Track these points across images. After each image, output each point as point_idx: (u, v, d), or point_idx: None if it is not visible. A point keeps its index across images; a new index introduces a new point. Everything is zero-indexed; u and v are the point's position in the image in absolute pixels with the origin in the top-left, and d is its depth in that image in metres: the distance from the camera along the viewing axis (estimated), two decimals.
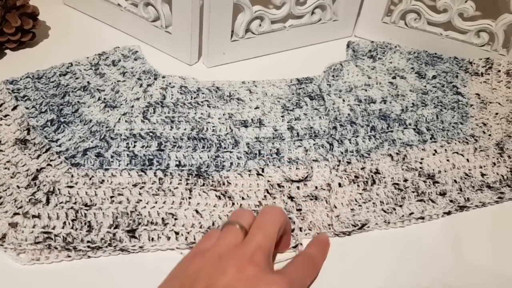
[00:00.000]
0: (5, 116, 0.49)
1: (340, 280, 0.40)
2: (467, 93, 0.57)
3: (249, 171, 0.46)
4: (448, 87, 0.58)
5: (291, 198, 0.45)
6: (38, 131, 0.47)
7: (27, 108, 0.50)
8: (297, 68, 0.60)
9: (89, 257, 0.40)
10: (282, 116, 0.52)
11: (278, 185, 0.45)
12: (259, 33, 0.62)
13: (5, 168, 0.44)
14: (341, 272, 0.40)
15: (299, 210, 0.44)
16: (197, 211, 0.42)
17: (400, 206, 0.45)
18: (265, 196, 0.44)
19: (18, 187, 0.42)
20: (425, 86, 0.57)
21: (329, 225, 0.43)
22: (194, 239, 0.41)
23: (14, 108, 0.50)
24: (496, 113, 0.55)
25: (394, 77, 0.58)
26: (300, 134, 0.50)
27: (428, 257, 0.42)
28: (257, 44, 0.63)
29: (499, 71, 0.59)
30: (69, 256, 0.39)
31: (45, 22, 0.66)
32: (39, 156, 0.45)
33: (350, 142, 0.50)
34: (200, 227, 0.41)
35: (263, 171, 0.46)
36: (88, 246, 0.39)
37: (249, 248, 0.34)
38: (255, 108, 0.52)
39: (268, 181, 0.45)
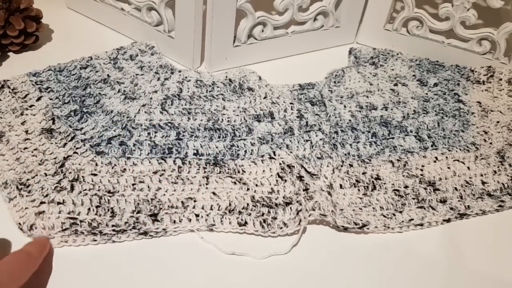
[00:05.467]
0: (30, 106, 0.50)
1: (337, 285, 0.39)
2: (468, 101, 0.57)
3: (262, 156, 0.47)
4: (449, 95, 0.58)
5: (300, 178, 0.45)
6: (62, 120, 0.49)
7: (50, 99, 0.51)
8: (299, 74, 0.60)
9: (113, 241, 0.41)
10: (291, 103, 0.53)
11: (289, 166, 0.46)
12: (262, 39, 0.62)
13: (33, 156, 0.45)
14: (338, 277, 0.40)
15: (306, 190, 0.44)
16: (214, 193, 0.44)
17: (400, 212, 0.45)
18: (277, 181, 0.45)
19: (45, 174, 0.44)
20: (426, 94, 0.57)
21: (332, 211, 0.43)
22: (213, 221, 0.42)
23: (39, 99, 0.51)
24: (497, 122, 0.55)
25: (395, 84, 0.58)
26: (309, 123, 0.51)
27: (426, 264, 0.42)
28: (260, 50, 0.63)
29: (501, 79, 0.59)
30: (95, 240, 0.40)
31: (49, 25, 0.66)
32: (65, 144, 0.46)
33: (351, 147, 0.50)
34: (219, 209, 0.43)
35: (275, 154, 0.47)
36: (113, 230, 0.40)
37: None
38: (264, 98, 0.53)
39: (280, 164, 0.47)
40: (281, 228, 0.42)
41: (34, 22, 0.61)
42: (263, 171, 0.46)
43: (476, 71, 0.61)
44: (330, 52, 0.68)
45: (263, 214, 0.43)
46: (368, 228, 0.43)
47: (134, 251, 0.41)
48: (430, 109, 0.55)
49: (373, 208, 0.45)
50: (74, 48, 0.63)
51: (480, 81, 0.60)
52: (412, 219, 0.44)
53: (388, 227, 0.43)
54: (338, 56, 0.66)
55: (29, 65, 0.56)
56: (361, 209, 0.44)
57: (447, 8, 0.61)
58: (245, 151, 0.48)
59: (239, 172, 0.46)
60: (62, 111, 0.50)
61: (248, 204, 0.44)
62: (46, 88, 0.53)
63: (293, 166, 0.46)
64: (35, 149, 0.46)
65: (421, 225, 0.44)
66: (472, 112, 0.56)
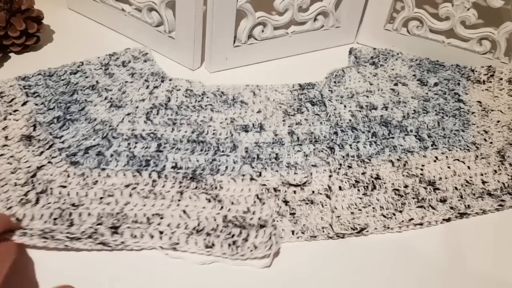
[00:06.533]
0: (15, 111, 0.50)
1: (337, 285, 0.40)
2: (468, 101, 0.57)
3: (243, 175, 0.46)
4: (449, 95, 0.58)
5: (285, 202, 0.45)
6: (44, 127, 0.48)
7: (36, 105, 0.51)
8: (299, 75, 0.60)
9: (66, 246, 0.39)
10: (284, 120, 0.52)
11: (274, 189, 0.46)
12: (262, 39, 0.62)
13: (8, 163, 0.44)
14: (338, 277, 0.40)
15: (293, 214, 0.44)
16: (184, 212, 0.43)
17: (400, 211, 0.45)
18: (254, 202, 0.44)
19: (15, 184, 0.43)
20: (426, 93, 0.57)
21: (323, 228, 0.43)
22: (178, 239, 0.41)
23: (24, 104, 0.50)
24: (498, 121, 0.55)
25: (396, 84, 0.58)
26: (300, 139, 0.50)
27: (426, 264, 0.42)
28: (260, 50, 0.63)
29: (501, 79, 0.59)
30: (45, 242, 0.39)
31: (50, 26, 0.66)
32: (41, 153, 0.45)
33: (351, 147, 0.50)
34: (186, 228, 0.41)
35: (260, 175, 0.46)
36: (67, 237, 0.39)
37: None
38: (257, 112, 0.53)
39: (264, 185, 0.46)
40: (252, 251, 0.40)
41: (35, 23, 0.61)
42: (242, 189, 0.45)
43: (476, 71, 0.61)
44: (330, 52, 0.68)
45: (233, 236, 0.41)
46: (367, 231, 0.43)
47: (98, 259, 0.40)
48: (430, 109, 0.55)
49: (373, 208, 0.45)
50: (75, 48, 0.63)
51: (481, 81, 0.60)
52: (412, 219, 0.44)
53: (388, 228, 0.43)
54: (338, 56, 0.66)
55: (30, 65, 0.56)
56: (360, 210, 0.44)
57: (447, 8, 0.61)
58: (226, 167, 0.46)
59: (216, 188, 0.45)
60: (45, 117, 0.49)
61: (218, 226, 0.42)
62: (33, 93, 0.52)
63: (279, 190, 0.45)
64: (11, 156, 0.45)
65: (421, 224, 0.45)
66: (472, 111, 0.56)
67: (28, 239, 0.39)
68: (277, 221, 0.43)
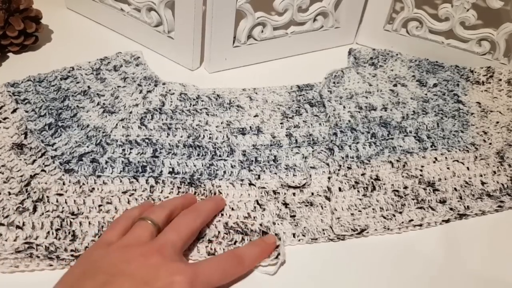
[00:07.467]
0: (4, 119, 0.48)
1: (336, 285, 0.39)
2: (468, 102, 0.57)
3: (242, 180, 0.45)
4: (449, 95, 0.58)
5: (285, 204, 0.44)
6: (35, 135, 0.47)
7: (26, 112, 0.49)
8: (299, 75, 0.60)
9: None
10: (281, 123, 0.52)
11: (274, 191, 0.45)
12: (261, 39, 0.62)
13: (0, 173, 0.43)
14: (338, 277, 0.40)
15: (293, 216, 0.44)
16: None
17: (400, 213, 0.45)
18: (254, 207, 0.43)
19: (9, 193, 0.42)
20: (426, 94, 0.57)
21: (323, 230, 0.43)
22: None
23: (14, 111, 0.49)
24: (497, 122, 0.55)
25: (395, 85, 0.58)
26: (299, 141, 0.50)
27: (426, 265, 0.42)
28: (259, 50, 0.63)
29: (500, 80, 0.59)
30: (51, 265, 0.38)
31: (48, 26, 0.66)
32: (34, 161, 0.44)
33: (350, 148, 0.50)
34: None
35: (259, 178, 0.46)
36: (72, 255, 0.38)
37: (158, 241, 0.35)
38: (254, 116, 0.53)
39: (264, 187, 0.45)
40: None
41: (34, 22, 0.61)
42: (241, 195, 0.44)
43: (475, 72, 0.61)
44: (330, 52, 0.68)
45: (235, 242, 0.40)
46: (367, 232, 0.43)
47: None
48: (430, 110, 0.55)
49: (373, 209, 0.45)
50: (73, 48, 0.63)
51: (480, 82, 0.60)
52: (412, 220, 0.44)
53: (388, 229, 0.43)
54: (338, 57, 0.66)
55: (29, 65, 0.56)
56: (360, 211, 0.44)
57: (446, 9, 0.61)
58: (224, 172, 0.46)
59: (215, 193, 0.44)
60: (36, 124, 0.48)
61: (219, 232, 0.41)
62: (23, 99, 0.50)
63: (278, 193, 0.45)
64: (2, 166, 0.44)
65: (421, 225, 0.44)
66: (471, 112, 0.56)
67: (34, 265, 0.38)
68: (278, 224, 0.43)
